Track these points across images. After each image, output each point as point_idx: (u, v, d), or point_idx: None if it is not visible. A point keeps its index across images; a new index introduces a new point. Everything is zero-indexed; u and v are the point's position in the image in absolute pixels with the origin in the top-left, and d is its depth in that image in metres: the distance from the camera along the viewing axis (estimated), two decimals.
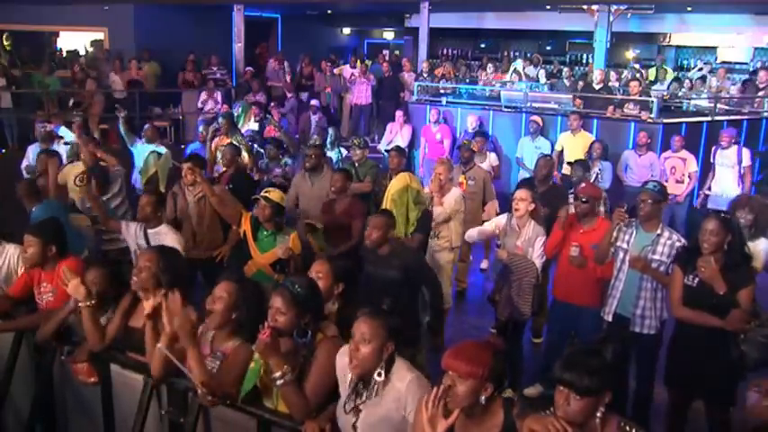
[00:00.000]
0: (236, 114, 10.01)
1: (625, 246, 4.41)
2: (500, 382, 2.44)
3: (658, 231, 4.32)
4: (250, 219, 4.93)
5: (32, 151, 7.57)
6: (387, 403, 2.69)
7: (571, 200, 5.50)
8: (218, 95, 12.79)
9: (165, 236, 4.85)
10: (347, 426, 2.77)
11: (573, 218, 4.83)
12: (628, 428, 2.36)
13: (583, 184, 5.04)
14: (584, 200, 4.73)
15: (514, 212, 5.02)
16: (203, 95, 12.78)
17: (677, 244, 4.27)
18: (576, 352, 2.40)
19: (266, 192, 4.87)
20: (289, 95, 12.68)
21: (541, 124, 9.02)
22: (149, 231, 4.92)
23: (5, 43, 11.89)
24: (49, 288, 3.98)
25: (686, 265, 3.94)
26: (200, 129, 8.57)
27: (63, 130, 8.12)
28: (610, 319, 4.49)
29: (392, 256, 4.40)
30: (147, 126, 7.93)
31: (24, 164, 7.60)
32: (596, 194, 4.88)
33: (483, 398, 2.40)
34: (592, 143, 8.17)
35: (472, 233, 5.40)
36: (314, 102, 12.07)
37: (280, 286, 2.92)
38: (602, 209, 5.75)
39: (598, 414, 2.33)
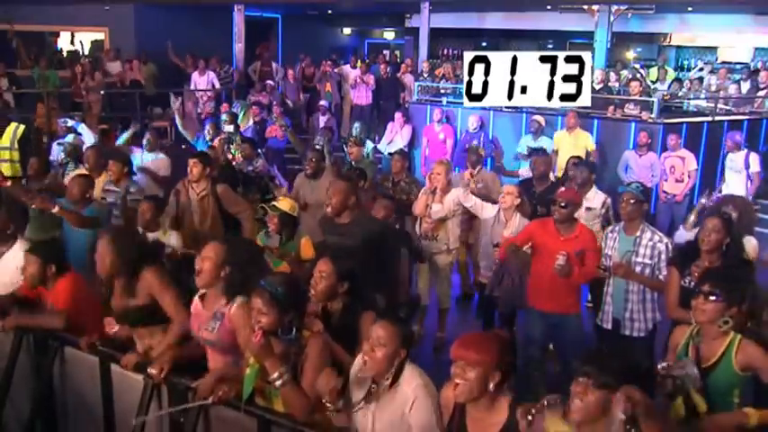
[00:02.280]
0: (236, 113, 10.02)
1: (610, 252, 4.44)
2: (508, 373, 2.54)
3: (638, 233, 4.34)
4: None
5: (56, 147, 7.66)
6: (394, 407, 2.74)
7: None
8: (212, 75, 12.78)
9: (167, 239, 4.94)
10: (362, 427, 2.82)
11: (550, 224, 4.56)
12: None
13: (562, 188, 4.85)
14: (562, 204, 4.43)
15: (501, 204, 5.31)
16: (195, 75, 12.78)
17: (659, 244, 4.29)
18: (604, 349, 2.53)
19: (276, 200, 4.76)
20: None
21: (543, 124, 8.95)
22: (150, 236, 4.87)
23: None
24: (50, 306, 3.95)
25: (683, 267, 3.94)
26: (207, 127, 8.62)
27: (82, 128, 8.13)
28: (609, 326, 4.51)
29: (353, 225, 4.29)
30: (147, 135, 7.71)
31: (51, 158, 7.68)
32: (576, 200, 4.61)
33: (491, 385, 2.50)
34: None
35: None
36: (322, 102, 12.06)
37: (259, 287, 2.91)
38: (602, 211, 5.76)
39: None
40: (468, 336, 2.65)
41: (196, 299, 3.37)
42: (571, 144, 8.36)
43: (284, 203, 4.67)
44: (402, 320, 2.88)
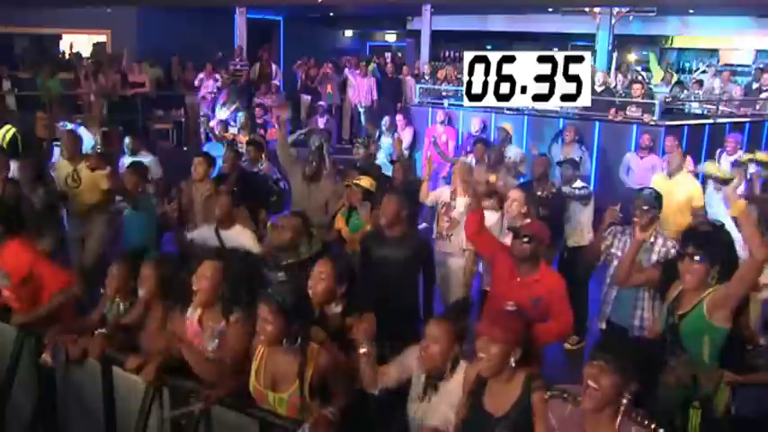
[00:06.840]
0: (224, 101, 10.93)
1: (619, 253, 4.37)
2: (528, 349, 2.73)
3: (652, 239, 4.29)
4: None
5: (57, 151, 7.67)
6: (450, 400, 2.88)
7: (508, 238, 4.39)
8: (218, 75, 12.82)
9: (240, 236, 4.72)
10: (415, 419, 2.99)
11: (508, 264, 3.85)
12: (639, 418, 2.41)
13: (528, 220, 4.36)
14: (525, 238, 3.70)
15: (507, 212, 4.97)
16: (201, 75, 12.80)
17: (672, 251, 4.22)
18: (621, 338, 2.59)
19: (357, 179, 5.29)
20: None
21: (510, 133, 8.37)
22: (223, 233, 4.72)
23: None
24: None
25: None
26: (219, 128, 8.92)
27: (82, 130, 8.13)
28: (603, 326, 4.45)
29: (404, 238, 4.44)
30: (127, 138, 7.49)
31: (52, 160, 7.69)
32: (542, 234, 3.81)
33: (512, 361, 2.68)
34: (562, 128, 7.79)
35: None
36: (321, 103, 12.06)
37: (266, 295, 2.91)
38: (509, 180, 5.76)
39: (624, 401, 2.38)
40: (495, 314, 2.92)
41: (193, 318, 3.35)
42: (671, 193, 5.73)
43: (365, 182, 5.25)
44: (455, 317, 3.03)
